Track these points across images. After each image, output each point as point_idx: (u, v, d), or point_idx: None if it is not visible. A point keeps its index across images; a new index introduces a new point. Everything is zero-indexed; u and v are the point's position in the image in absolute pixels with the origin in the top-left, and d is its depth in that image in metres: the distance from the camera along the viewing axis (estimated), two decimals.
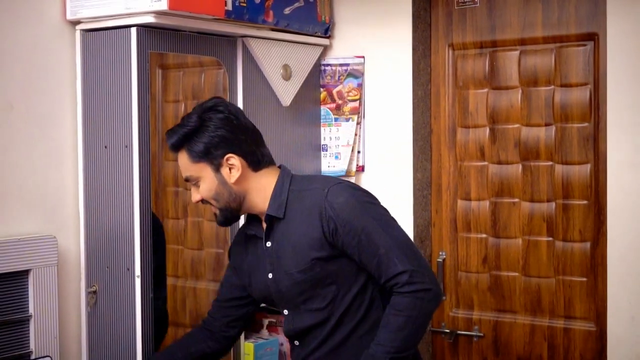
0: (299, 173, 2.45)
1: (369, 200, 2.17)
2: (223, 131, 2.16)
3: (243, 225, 2.39)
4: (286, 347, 2.93)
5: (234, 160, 2.17)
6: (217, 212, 2.23)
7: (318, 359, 2.24)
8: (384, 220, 2.13)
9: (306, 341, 2.25)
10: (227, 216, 2.23)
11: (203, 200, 2.22)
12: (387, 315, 2.09)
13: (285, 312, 2.26)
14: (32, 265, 2.42)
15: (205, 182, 2.19)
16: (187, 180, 2.22)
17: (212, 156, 2.16)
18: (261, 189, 2.21)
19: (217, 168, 2.17)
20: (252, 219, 2.29)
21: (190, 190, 2.26)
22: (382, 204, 2.20)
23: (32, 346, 2.44)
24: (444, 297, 2.08)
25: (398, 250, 2.08)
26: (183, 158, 2.19)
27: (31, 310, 2.43)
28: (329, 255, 2.13)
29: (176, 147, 2.20)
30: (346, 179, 2.32)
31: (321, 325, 2.20)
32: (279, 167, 2.27)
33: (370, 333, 2.16)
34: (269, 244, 2.24)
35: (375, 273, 2.12)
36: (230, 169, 2.17)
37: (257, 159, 2.22)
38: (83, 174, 2.61)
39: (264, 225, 2.24)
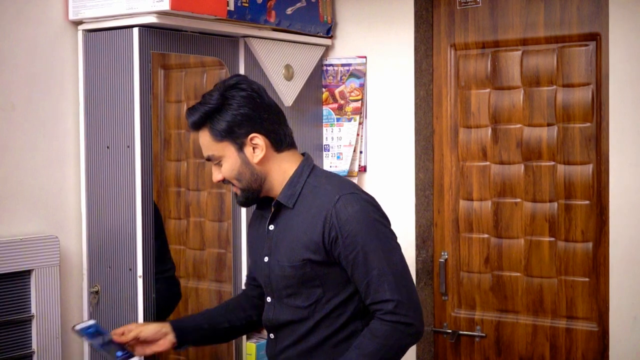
0: None
1: (378, 219, 2.09)
2: (246, 109, 2.10)
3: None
4: None
5: (258, 139, 2.12)
6: (239, 192, 2.17)
7: (289, 358, 2.19)
8: (387, 243, 2.07)
9: (281, 336, 2.20)
10: (248, 196, 2.17)
11: (224, 180, 2.17)
12: (362, 336, 2.05)
13: (269, 299, 2.22)
14: (35, 265, 2.42)
15: (227, 161, 2.13)
16: (208, 159, 2.17)
17: (235, 135, 2.11)
18: (281, 173, 2.16)
19: (240, 147, 2.12)
20: (265, 198, 2.23)
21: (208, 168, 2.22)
22: (390, 225, 2.13)
23: (34, 346, 2.44)
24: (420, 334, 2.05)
25: (392, 277, 2.03)
26: (205, 137, 2.14)
27: (33, 310, 2.43)
28: (322, 261, 2.08)
29: (197, 126, 2.14)
30: (348, 178, 2.30)
31: (299, 323, 2.15)
32: (303, 154, 2.22)
33: (346, 343, 2.12)
34: (272, 227, 2.19)
35: (363, 292, 2.07)
36: (254, 148, 2.12)
37: (280, 138, 2.16)
38: (85, 174, 2.62)
39: (272, 209, 2.19)
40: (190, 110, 2.15)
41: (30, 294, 2.43)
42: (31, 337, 2.44)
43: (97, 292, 2.60)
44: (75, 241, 2.62)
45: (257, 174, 2.14)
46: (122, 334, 2.17)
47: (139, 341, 2.19)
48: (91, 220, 2.61)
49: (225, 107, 2.10)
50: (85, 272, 2.63)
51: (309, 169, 2.18)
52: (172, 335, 2.23)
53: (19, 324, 2.41)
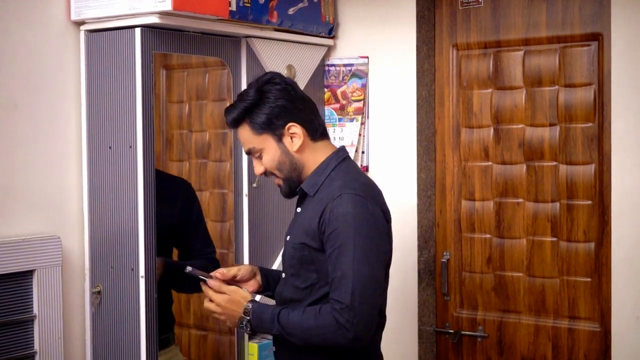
0: None
1: (365, 226, 2.13)
2: (283, 101, 2.23)
3: None
4: None
5: (295, 128, 2.24)
6: (281, 183, 2.30)
7: (292, 357, 2.28)
8: (363, 251, 2.10)
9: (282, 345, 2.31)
10: (291, 186, 2.29)
11: (266, 172, 2.29)
12: (313, 308, 2.15)
13: (283, 275, 2.34)
14: (37, 265, 2.42)
15: (268, 152, 2.25)
16: (249, 153, 2.29)
17: (274, 126, 2.23)
18: (315, 162, 2.27)
19: (279, 138, 2.24)
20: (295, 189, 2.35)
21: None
22: (379, 238, 2.17)
23: (36, 346, 2.44)
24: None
25: (353, 283, 2.07)
26: (245, 131, 2.26)
27: (35, 310, 2.44)
28: (318, 248, 2.18)
29: (237, 122, 2.26)
30: (369, 179, 2.29)
31: (297, 302, 2.24)
32: (339, 149, 2.33)
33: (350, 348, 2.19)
34: (299, 210, 2.32)
35: (329, 286, 2.15)
36: (292, 137, 2.24)
37: (315, 127, 2.28)
38: (87, 175, 2.62)
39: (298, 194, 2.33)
40: (229, 108, 2.29)
41: (32, 294, 2.43)
42: (33, 337, 2.44)
43: (99, 292, 2.60)
44: (78, 241, 2.62)
45: (296, 162, 2.26)
46: (222, 274, 2.33)
47: (235, 280, 2.35)
48: (93, 221, 2.61)
49: (263, 101, 2.23)
50: (87, 272, 2.63)
51: (337, 161, 2.27)
52: (259, 278, 2.41)
53: (21, 324, 2.41)
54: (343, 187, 2.16)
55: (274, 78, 2.28)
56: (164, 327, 2.73)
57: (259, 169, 2.29)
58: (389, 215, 2.26)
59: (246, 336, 2.87)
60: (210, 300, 2.28)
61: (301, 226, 2.24)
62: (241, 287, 2.34)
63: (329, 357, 2.19)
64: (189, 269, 2.28)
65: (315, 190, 2.24)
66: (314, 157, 2.27)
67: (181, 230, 2.85)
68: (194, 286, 2.42)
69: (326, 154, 2.28)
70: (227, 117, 2.29)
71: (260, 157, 2.27)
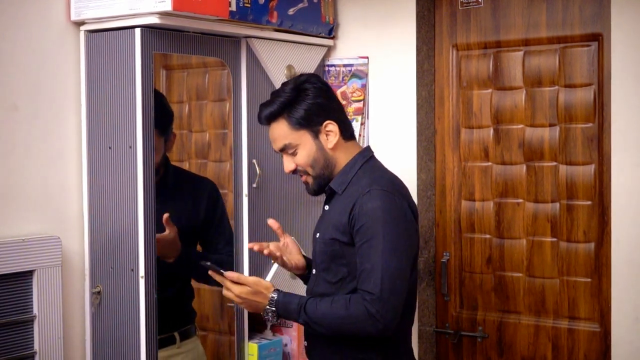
0: None
1: (393, 220, 2.21)
2: (321, 99, 2.33)
3: None
4: (290, 347, 2.93)
5: (332, 126, 2.32)
6: (311, 180, 2.36)
7: (319, 337, 2.33)
8: (392, 244, 2.19)
9: None
10: (321, 184, 2.36)
11: (295, 170, 2.35)
12: (342, 298, 2.21)
13: (314, 271, 2.41)
14: (36, 265, 2.42)
15: (304, 148, 2.32)
16: (282, 149, 2.34)
17: (312, 123, 2.31)
18: (345, 161, 2.35)
19: (316, 134, 2.32)
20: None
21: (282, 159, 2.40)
22: (407, 231, 2.25)
23: (36, 347, 2.44)
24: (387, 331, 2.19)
25: (382, 275, 2.15)
26: (281, 127, 2.32)
27: (35, 310, 2.43)
28: (348, 242, 2.25)
29: (274, 116, 2.32)
30: (395, 176, 2.37)
31: (330, 296, 2.29)
32: (365, 148, 2.42)
33: (380, 342, 2.27)
34: (326, 207, 2.40)
35: (357, 278, 2.22)
36: (327, 135, 2.32)
37: (347, 127, 2.38)
38: (87, 175, 2.62)
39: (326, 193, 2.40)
40: (266, 104, 2.35)
41: (32, 295, 2.43)
42: (33, 337, 2.44)
43: (99, 293, 2.60)
44: (78, 242, 2.62)
45: (330, 159, 2.34)
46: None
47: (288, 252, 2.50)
48: (93, 221, 2.61)
49: (302, 97, 2.31)
50: (87, 272, 2.63)
51: (363, 160, 2.36)
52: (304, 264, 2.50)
53: (20, 325, 2.41)
54: (371, 183, 2.25)
55: (311, 77, 2.37)
56: (185, 319, 2.88)
57: (290, 166, 2.35)
58: (416, 210, 2.35)
59: (246, 336, 2.87)
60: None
61: (330, 222, 2.31)
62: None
63: (362, 347, 2.26)
64: (205, 263, 2.31)
65: (344, 188, 2.32)
66: (345, 156, 2.36)
67: (205, 229, 2.91)
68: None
69: (354, 154, 2.37)
70: (263, 111, 2.34)
71: (294, 154, 2.33)
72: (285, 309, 2.25)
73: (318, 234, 2.39)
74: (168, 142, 2.83)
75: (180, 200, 2.88)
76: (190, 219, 2.86)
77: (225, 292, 2.31)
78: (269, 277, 2.90)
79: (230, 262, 2.83)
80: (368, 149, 2.43)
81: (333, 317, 2.19)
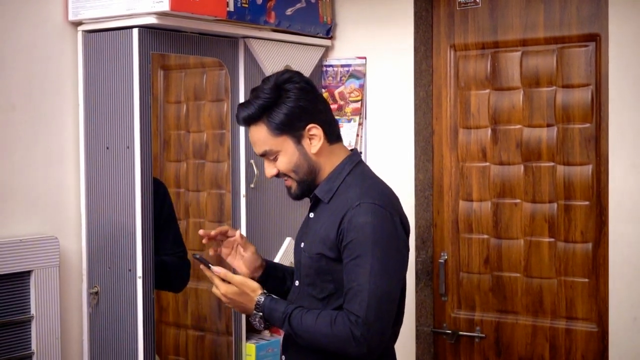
0: None
1: (384, 238, 2.06)
2: (303, 101, 2.11)
3: None
4: None
5: (316, 130, 2.12)
6: (294, 185, 2.17)
7: (297, 345, 2.18)
8: (382, 264, 2.04)
9: None
10: (304, 189, 2.17)
11: (278, 174, 2.16)
12: (328, 314, 2.05)
13: (296, 283, 2.24)
14: (34, 266, 2.42)
15: (285, 155, 2.13)
16: (263, 155, 2.15)
17: (294, 127, 2.10)
18: (331, 166, 2.17)
19: (298, 140, 2.12)
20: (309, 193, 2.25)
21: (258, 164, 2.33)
22: (398, 250, 2.11)
23: (33, 347, 2.44)
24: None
25: (368, 297, 2.00)
26: (260, 131, 2.12)
27: (33, 311, 2.43)
28: (335, 258, 2.08)
29: (253, 120, 2.12)
30: (386, 185, 2.25)
31: None
32: (351, 150, 2.23)
33: None
34: (312, 215, 2.21)
35: (343, 295, 2.07)
36: (310, 139, 2.12)
37: (333, 129, 2.18)
38: (85, 175, 2.62)
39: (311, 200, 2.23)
40: (244, 104, 2.14)
41: (29, 295, 2.43)
42: (31, 337, 2.44)
43: (96, 293, 2.60)
44: (75, 242, 2.62)
45: (314, 165, 2.15)
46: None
47: (237, 258, 2.31)
48: (91, 221, 2.61)
49: (283, 100, 2.10)
50: (84, 272, 2.63)
51: (351, 165, 2.18)
52: (261, 273, 2.31)
53: (18, 325, 2.41)
54: (361, 195, 2.08)
55: (293, 77, 2.15)
56: None
57: (271, 171, 2.16)
58: (408, 224, 2.19)
59: (244, 337, 2.87)
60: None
61: (317, 235, 2.13)
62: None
63: None
64: (197, 255, 2.21)
65: (330, 197, 2.14)
66: (331, 161, 2.17)
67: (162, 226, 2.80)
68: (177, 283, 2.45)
69: (341, 158, 2.18)
70: (240, 113, 2.15)
71: (275, 159, 2.14)
72: (271, 315, 2.10)
73: (303, 244, 2.21)
74: None
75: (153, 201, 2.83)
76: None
77: (213, 289, 2.18)
78: None
79: (181, 263, 2.78)
80: (356, 152, 2.23)
81: (317, 334, 2.05)
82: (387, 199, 2.12)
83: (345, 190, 2.13)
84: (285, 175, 2.16)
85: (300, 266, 2.21)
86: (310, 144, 2.13)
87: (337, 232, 2.06)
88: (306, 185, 2.17)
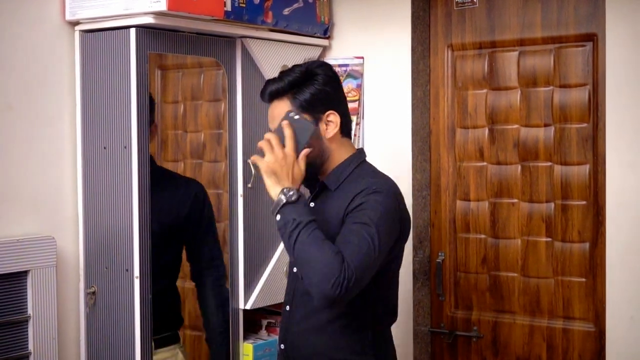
0: None
1: (389, 216, 2.15)
2: (329, 88, 2.25)
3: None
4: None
5: (334, 117, 2.24)
6: None
7: (300, 333, 2.27)
8: (378, 236, 2.09)
9: (296, 308, 2.31)
10: (311, 172, 2.24)
11: None
12: (334, 246, 2.04)
13: (295, 269, 2.29)
14: (31, 266, 2.42)
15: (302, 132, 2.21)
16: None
17: (315, 109, 2.22)
18: (339, 157, 2.27)
19: (316, 122, 2.22)
20: (312, 179, 2.32)
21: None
22: (396, 232, 2.19)
23: (30, 347, 2.44)
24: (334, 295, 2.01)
25: (359, 249, 2.05)
26: (283, 107, 2.23)
27: (30, 311, 2.43)
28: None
29: (279, 94, 2.23)
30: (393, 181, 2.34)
31: (312, 298, 2.17)
32: (358, 149, 2.35)
33: (355, 332, 2.23)
34: (312, 204, 2.30)
35: (339, 238, 2.11)
36: (327, 124, 2.24)
37: (347, 123, 2.30)
38: (82, 175, 2.61)
39: (316, 188, 2.30)
40: (274, 79, 2.26)
41: (26, 295, 2.43)
42: (28, 338, 2.44)
43: (93, 293, 2.60)
44: (72, 242, 2.62)
45: (325, 149, 2.25)
46: None
47: None
48: (88, 221, 2.61)
49: (311, 81, 2.23)
50: (81, 273, 2.62)
51: (358, 161, 2.30)
52: None
53: (15, 325, 2.41)
54: (374, 184, 2.18)
55: (324, 64, 2.30)
56: (163, 326, 2.75)
57: None
58: (409, 227, 2.30)
59: (241, 337, 2.86)
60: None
61: (330, 218, 2.19)
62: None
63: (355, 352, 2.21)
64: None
65: (337, 186, 2.24)
66: (339, 151, 2.27)
67: (189, 233, 2.86)
68: None
69: (349, 152, 2.29)
70: (269, 86, 2.25)
71: None
72: (287, 213, 2.08)
73: None
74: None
75: (161, 199, 2.83)
76: (171, 218, 2.79)
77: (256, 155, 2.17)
78: (264, 276, 2.90)
79: (217, 281, 2.84)
80: (362, 151, 2.36)
81: (313, 250, 2.03)
82: (397, 197, 2.23)
83: (355, 180, 2.22)
84: None
85: None
86: (327, 128, 2.24)
87: (346, 207, 2.14)
88: (314, 169, 2.25)
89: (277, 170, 2.13)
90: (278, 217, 2.09)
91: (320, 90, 2.22)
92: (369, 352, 2.25)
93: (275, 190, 2.12)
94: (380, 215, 2.12)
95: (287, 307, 2.35)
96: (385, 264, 2.20)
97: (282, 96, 2.23)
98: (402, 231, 2.24)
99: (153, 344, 2.70)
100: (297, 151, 2.16)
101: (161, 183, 2.77)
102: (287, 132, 2.16)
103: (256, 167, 2.16)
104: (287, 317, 2.34)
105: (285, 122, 2.18)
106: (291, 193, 2.09)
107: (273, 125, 2.25)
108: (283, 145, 2.15)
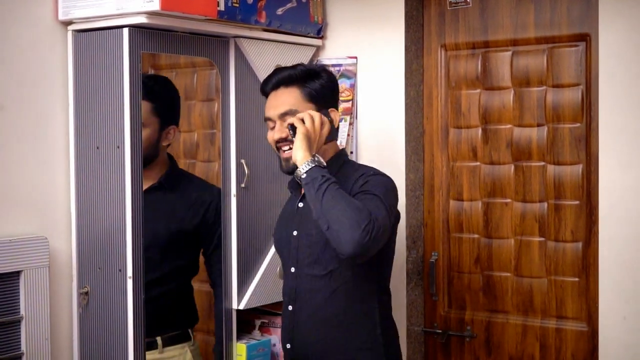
0: None
1: (392, 193, 2.33)
2: (334, 85, 2.45)
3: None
4: (278, 347, 2.93)
5: (334, 114, 2.40)
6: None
7: (308, 331, 2.34)
8: (385, 204, 2.22)
9: (299, 306, 2.37)
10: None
11: (282, 140, 2.34)
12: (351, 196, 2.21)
13: (292, 269, 2.40)
14: (24, 266, 2.41)
15: None
16: (285, 114, 2.33)
17: (320, 102, 2.36)
18: (327, 155, 2.39)
19: (324, 114, 2.35)
20: (292, 179, 2.45)
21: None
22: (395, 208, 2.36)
23: (23, 348, 2.43)
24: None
25: (378, 205, 2.20)
26: (291, 93, 2.34)
27: (22, 311, 2.43)
28: None
29: (290, 81, 2.34)
30: None
31: (316, 292, 2.32)
32: (343, 149, 2.52)
33: (362, 321, 2.33)
34: (301, 204, 2.41)
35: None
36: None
37: (337, 125, 2.45)
38: (75, 175, 2.61)
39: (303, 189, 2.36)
40: (286, 67, 2.40)
41: (19, 295, 2.42)
42: (20, 338, 2.43)
43: (86, 293, 2.60)
44: (65, 242, 2.61)
45: (320, 145, 2.35)
46: None
47: None
48: (81, 221, 2.61)
49: (320, 75, 2.39)
50: (74, 273, 2.62)
51: (344, 158, 2.45)
52: None
53: (7, 326, 2.40)
54: (370, 169, 2.36)
55: (326, 68, 2.48)
56: (172, 324, 2.83)
57: (280, 134, 2.34)
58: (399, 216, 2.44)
59: (234, 337, 2.86)
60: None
61: None
62: None
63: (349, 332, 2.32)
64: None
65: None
66: (327, 151, 2.40)
67: (204, 239, 2.87)
68: None
69: (335, 150, 2.45)
70: (281, 72, 2.36)
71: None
72: (315, 172, 2.21)
73: (296, 232, 2.41)
74: (164, 132, 2.81)
75: (179, 203, 2.85)
76: (181, 224, 2.82)
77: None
78: (257, 276, 2.90)
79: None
80: (345, 149, 2.52)
81: (343, 202, 2.14)
82: (393, 183, 2.39)
83: (348, 172, 2.36)
84: (291, 142, 2.30)
85: (298, 252, 2.38)
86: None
87: (349, 192, 2.25)
88: None
89: (311, 139, 2.26)
90: (305, 175, 2.20)
91: (327, 85, 2.38)
92: (379, 341, 2.36)
93: (304, 154, 2.23)
94: (385, 192, 2.26)
95: (290, 307, 2.39)
96: (386, 241, 2.31)
97: (292, 84, 2.34)
98: (397, 216, 2.38)
99: (161, 341, 2.74)
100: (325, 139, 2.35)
101: (176, 187, 2.81)
102: (326, 120, 2.34)
103: (292, 128, 2.29)
104: (290, 317, 2.39)
105: (321, 113, 2.34)
106: (321, 160, 2.25)
107: (275, 112, 2.34)
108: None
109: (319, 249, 2.33)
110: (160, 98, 2.76)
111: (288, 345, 2.39)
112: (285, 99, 2.35)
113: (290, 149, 2.32)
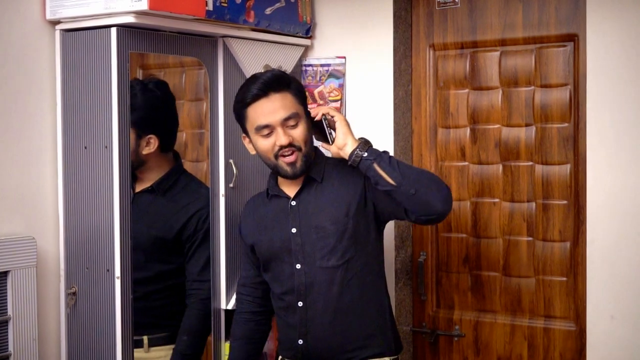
0: None
1: None
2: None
3: (254, 196, 2.66)
4: (267, 347, 2.93)
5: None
6: (301, 158, 2.39)
7: (326, 324, 2.38)
8: None
9: (312, 301, 2.39)
10: (307, 164, 2.41)
11: (287, 145, 2.36)
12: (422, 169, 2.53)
13: (298, 266, 2.41)
14: (11, 266, 2.40)
15: (303, 123, 2.40)
16: (287, 119, 2.37)
17: (304, 104, 2.45)
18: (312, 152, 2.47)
19: (307, 115, 2.44)
20: (274, 182, 2.51)
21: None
22: None
23: (10, 348, 2.42)
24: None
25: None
26: (286, 97, 2.38)
27: (10, 312, 2.42)
28: (364, 203, 2.39)
29: (285, 84, 2.39)
30: None
31: (330, 284, 2.36)
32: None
33: (373, 304, 2.43)
34: (294, 203, 2.45)
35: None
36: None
37: None
38: (62, 175, 2.60)
39: (294, 186, 2.46)
40: (272, 71, 2.45)
41: (6, 296, 2.41)
42: (7, 339, 2.42)
43: (74, 294, 2.59)
44: (53, 242, 2.60)
45: (313, 142, 2.46)
46: None
47: None
48: (68, 221, 2.60)
49: (291, 78, 2.45)
50: (62, 273, 2.61)
51: (325, 155, 2.54)
52: None
53: None
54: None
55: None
56: (160, 325, 2.83)
57: (286, 139, 2.36)
58: None
59: (222, 336, 2.86)
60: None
61: (334, 204, 2.40)
62: None
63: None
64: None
65: (322, 177, 2.45)
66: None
67: (182, 247, 2.84)
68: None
69: (314, 149, 2.50)
70: (274, 73, 2.40)
71: (295, 127, 2.37)
72: (373, 149, 2.39)
73: (295, 229, 2.43)
74: (143, 141, 2.79)
75: (166, 208, 2.85)
76: (163, 231, 2.81)
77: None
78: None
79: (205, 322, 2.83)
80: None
81: (417, 169, 2.39)
82: None
83: (336, 168, 2.45)
84: (297, 146, 2.37)
85: (304, 247, 2.40)
86: None
87: (363, 182, 2.40)
88: (310, 159, 2.42)
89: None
90: (366, 153, 2.33)
91: (302, 87, 2.48)
92: (387, 325, 2.47)
93: (353, 137, 2.39)
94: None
95: (300, 304, 2.42)
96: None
97: (282, 89, 2.37)
98: None
99: (147, 341, 2.71)
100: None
101: (168, 192, 2.83)
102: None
103: (325, 118, 2.42)
104: (302, 313, 2.42)
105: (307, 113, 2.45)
106: (366, 138, 2.42)
107: (277, 117, 2.36)
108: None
109: (335, 239, 2.37)
110: (135, 109, 2.62)
111: (300, 341, 2.42)
112: (282, 103, 2.36)
113: (293, 153, 2.37)
